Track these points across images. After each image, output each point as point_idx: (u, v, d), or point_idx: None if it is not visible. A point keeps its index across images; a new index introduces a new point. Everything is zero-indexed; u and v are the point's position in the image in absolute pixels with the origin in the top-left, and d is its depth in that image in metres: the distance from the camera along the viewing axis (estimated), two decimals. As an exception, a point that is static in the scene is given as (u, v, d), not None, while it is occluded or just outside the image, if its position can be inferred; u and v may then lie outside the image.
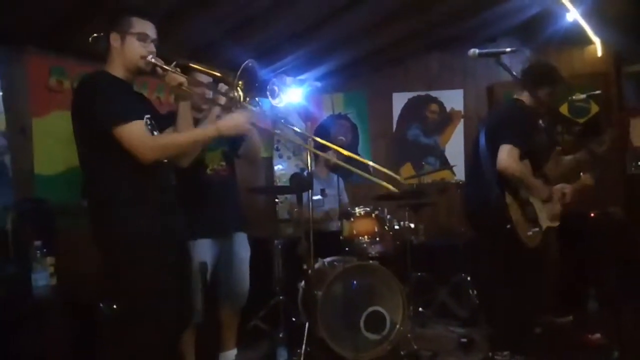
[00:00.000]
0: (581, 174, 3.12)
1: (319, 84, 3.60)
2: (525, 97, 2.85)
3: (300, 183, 3.05)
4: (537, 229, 2.75)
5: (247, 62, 2.10)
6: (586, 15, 4.16)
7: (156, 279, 1.97)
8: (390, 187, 2.22)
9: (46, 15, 2.86)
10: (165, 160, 2.15)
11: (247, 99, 2.16)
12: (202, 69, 2.22)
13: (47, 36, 3.06)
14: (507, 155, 2.63)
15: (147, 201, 2.02)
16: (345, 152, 2.52)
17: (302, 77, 4.57)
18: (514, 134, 2.68)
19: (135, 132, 1.95)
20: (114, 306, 2.05)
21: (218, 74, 2.19)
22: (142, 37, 2.08)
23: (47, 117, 3.21)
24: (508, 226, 2.65)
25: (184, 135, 2.09)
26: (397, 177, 2.45)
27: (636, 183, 4.43)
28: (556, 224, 2.89)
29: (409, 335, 3.23)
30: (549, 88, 2.84)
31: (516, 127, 2.71)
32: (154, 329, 1.97)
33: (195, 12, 3.16)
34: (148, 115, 2.11)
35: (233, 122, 2.08)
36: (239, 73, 2.08)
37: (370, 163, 2.73)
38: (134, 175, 2.00)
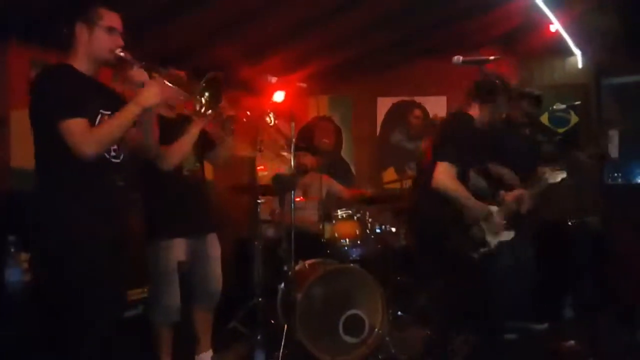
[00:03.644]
0: (544, 174, 3.02)
1: (304, 85, 3.61)
2: (474, 111, 2.75)
3: (282, 184, 3.04)
4: (485, 249, 2.65)
5: (209, 73, 2.12)
6: (568, 28, 4.24)
7: (80, 277, 1.97)
8: None
9: (28, 7, 2.81)
10: (118, 160, 2.12)
11: (210, 110, 2.20)
12: (166, 75, 2.20)
13: (28, 28, 3.01)
14: (441, 173, 2.54)
15: (86, 198, 2.01)
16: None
17: (287, 78, 4.56)
18: (452, 151, 2.58)
19: (76, 129, 1.94)
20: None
21: (181, 83, 2.20)
22: (111, 30, 2.05)
23: (27, 110, 3.14)
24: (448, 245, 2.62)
25: (113, 120, 2.03)
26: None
27: (614, 193, 4.52)
28: (510, 236, 2.75)
29: (387, 339, 3.23)
30: (491, 105, 2.74)
31: (455, 144, 2.61)
32: (80, 326, 1.97)
33: (181, 11, 3.14)
34: (108, 112, 2.08)
35: (148, 93, 2.05)
36: (203, 83, 2.11)
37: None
38: (78, 171, 1.99)
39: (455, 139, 2.63)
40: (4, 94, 3.14)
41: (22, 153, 3.16)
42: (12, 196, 2.97)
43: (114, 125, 2.02)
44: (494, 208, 2.71)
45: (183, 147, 2.63)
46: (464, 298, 2.69)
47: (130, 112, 2.03)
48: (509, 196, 2.80)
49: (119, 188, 2.13)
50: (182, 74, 2.80)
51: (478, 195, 2.69)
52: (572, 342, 3.25)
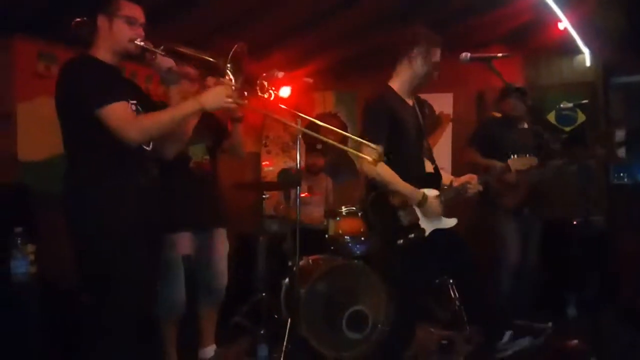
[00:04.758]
0: (510, 158, 2.87)
1: (310, 80, 3.61)
2: (393, 81, 2.58)
3: (288, 179, 3.03)
4: (413, 235, 2.45)
5: (236, 46, 2.07)
6: (576, 25, 4.21)
7: (122, 267, 1.96)
8: (363, 155, 2.23)
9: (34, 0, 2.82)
10: (149, 148, 2.12)
11: (237, 81, 2.11)
12: (191, 52, 2.16)
13: (34, 22, 3.02)
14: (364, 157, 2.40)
15: (123, 188, 2.00)
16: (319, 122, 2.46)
17: (294, 73, 4.56)
18: (368, 131, 2.44)
19: (120, 113, 1.94)
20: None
21: (207, 57, 2.12)
22: (131, 20, 2.06)
23: (33, 102, 3.17)
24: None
25: (167, 112, 2.03)
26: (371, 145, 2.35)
27: (619, 193, 4.50)
28: (452, 223, 2.58)
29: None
30: (401, 67, 2.55)
31: (370, 123, 2.47)
32: (121, 315, 1.96)
33: (185, 7, 3.13)
34: (134, 101, 2.08)
35: (213, 95, 2.04)
36: (229, 57, 2.05)
37: (345, 133, 2.62)
38: (113, 161, 1.99)
39: (367, 117, 2.50)
40: (10, 88, 3.15)
41: (29, 146, 3.19)
42: (18, 189, 2.99)
43: (167, 117, 2.01)
44: (432, 192, 2.52)
45: (185, 129, 2.38)
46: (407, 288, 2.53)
47: (188, 108, 2.03)
48: (456, 181, 2.63)
49: (152, 176, 2.13)
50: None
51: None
52: (576, 341, 3.25)
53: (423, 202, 2.46)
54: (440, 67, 2.57)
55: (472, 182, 2.60)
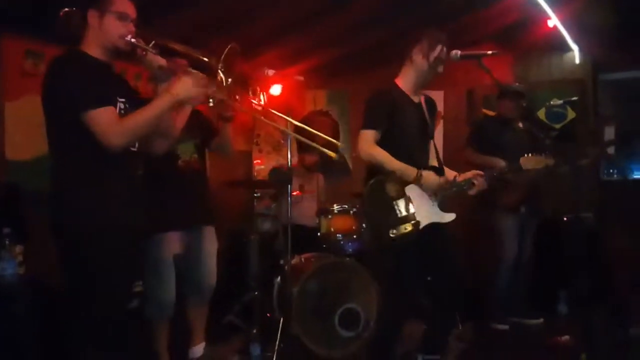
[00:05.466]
0: (521, 159, 2.81)
1: (301, 78, 3.60)
2: (399, 77, 2.66)
3: (279, 178, 3.03)
4: (405, 226, 2.44)
5: (229, 46, 2.06)
6: (566, 23, 4.23)
7: (103, 269, 1.94)
8: (329, 152, 2.36)
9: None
10: (134, 149, 2.09)
11: (229, 80, 2.09)
12: (183, 49, 2.13)
13: (23, 19, 2.98)
14: (361, 141, 2.50)
15: (106, 189, 1.98)
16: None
17: (285, 71, 4.54)
18: (367, 118, 2.55)
19: (104, 119, 1.90)
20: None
21: (199, 56, 2.09)
22: (122, 16, 2.02)
23: (21, 101, 3.13)
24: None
25: (143, 112, 1.98)
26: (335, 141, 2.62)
27: (609, 189, 4.53)
28: (449, 218, 2.56)
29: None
30: (407, 64, 2.62)
31: (369, 111, 2.57)
32: (108, 315, 1.95)
33: (176, 6, 3.11)
34: (122, 99, 2.05)
35: (184, 85, 2.01)
36: (222, 57, 2.03)
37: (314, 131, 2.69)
38: (98, 161, 1.96)
39: (368, 107, 2.58)
40: (-2, 86, 3.12)
41: (16, 145, 3.15)
42: (6, 188, 2.96)
43: (145, 116, 1.97)
44: (430, 173, 2.55)
45: (171, 124, 2.31)
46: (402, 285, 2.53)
47: (163, 102, 1.99)
48: (460, 177, 2.61)
49: (138, 177, 2.11)
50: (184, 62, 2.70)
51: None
52: (567, 337, 3.27)
53: (418, 178, 2.49)
54: (444, 62, 2.60)
55: (477, 179, 2.58)
